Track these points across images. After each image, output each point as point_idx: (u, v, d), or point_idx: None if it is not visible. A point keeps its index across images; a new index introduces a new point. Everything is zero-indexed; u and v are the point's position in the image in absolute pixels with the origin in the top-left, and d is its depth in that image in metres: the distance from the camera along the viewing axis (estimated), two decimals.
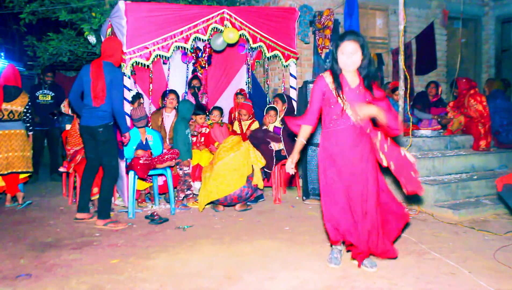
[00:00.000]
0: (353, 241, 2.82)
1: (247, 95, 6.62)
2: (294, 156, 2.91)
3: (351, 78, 2.83)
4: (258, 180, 4.78)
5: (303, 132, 2.91)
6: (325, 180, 2.90)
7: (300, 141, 2.91)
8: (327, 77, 2.84)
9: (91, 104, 4.03)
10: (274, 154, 5.15)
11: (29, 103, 5.15)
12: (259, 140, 5.21)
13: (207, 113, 5.80)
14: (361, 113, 2.72)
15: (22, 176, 5.17)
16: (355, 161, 2.83)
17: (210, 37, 5.30)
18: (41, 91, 6.62)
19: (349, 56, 2.74)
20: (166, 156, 4.71)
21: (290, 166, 2.90)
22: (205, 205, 4.72)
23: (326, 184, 2.89)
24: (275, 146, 5.23)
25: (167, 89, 6.01)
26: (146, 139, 4.85)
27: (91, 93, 4.00)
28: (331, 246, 3.11)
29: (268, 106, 5.71)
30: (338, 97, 2.78)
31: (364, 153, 2.84)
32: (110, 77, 4.01)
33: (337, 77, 2.81)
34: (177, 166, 4.90)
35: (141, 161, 4.49)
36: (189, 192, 4.97)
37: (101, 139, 4.08)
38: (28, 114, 5.15)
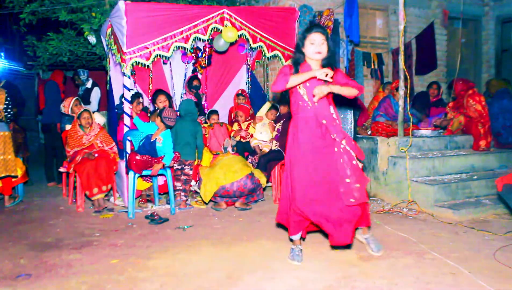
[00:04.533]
0: (328, 228, 2.88)
1: (248, 96, 6.63)
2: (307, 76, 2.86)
3: (315, 67, 2.94)
4: (260, 176, 4.89)
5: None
6: (293, 167, 2.97)
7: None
8: (290, 68, 2.97)
9: None
10: (269, 155, 5.26)
11: (8, 98, 5.03)
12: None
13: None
14: (315, 92, 2.81)
15: (14, 178, 5.10)
16: (319, 147, 2.92)
17: (210, 37, 5.30)
18: None
19: (319, 46, 2.88)
20: None
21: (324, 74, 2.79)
22: (208, 201, 4.78)
23: (295, 170, 2.95)
24: (268, 146, 5.34)
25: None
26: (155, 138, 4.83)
27: None
28: (292, 241, 3.17)
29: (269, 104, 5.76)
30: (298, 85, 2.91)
31: (329, 142, 2.93)
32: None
33: (297, 66, 2.94)
34: (187, 166, 4.90)
35: (137, 157, 4.49)
36: (191, 185, 5.00)
37: None
38: (9, 110, 5.03)
